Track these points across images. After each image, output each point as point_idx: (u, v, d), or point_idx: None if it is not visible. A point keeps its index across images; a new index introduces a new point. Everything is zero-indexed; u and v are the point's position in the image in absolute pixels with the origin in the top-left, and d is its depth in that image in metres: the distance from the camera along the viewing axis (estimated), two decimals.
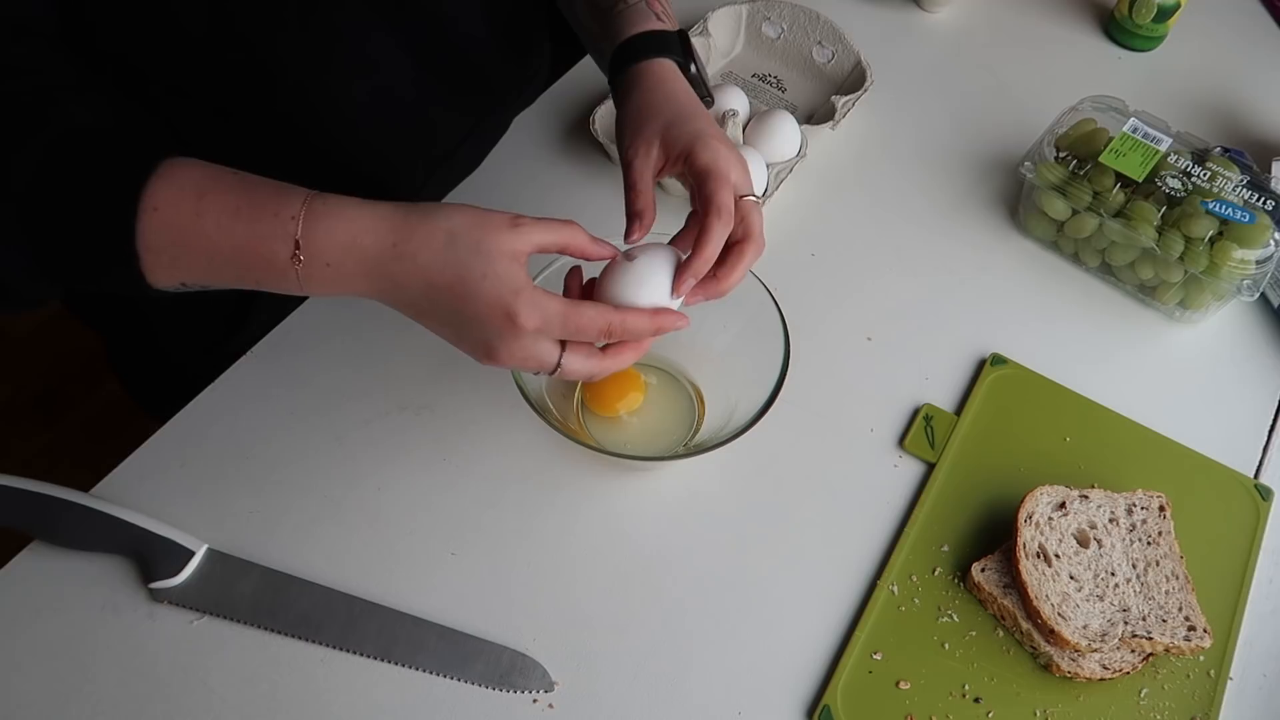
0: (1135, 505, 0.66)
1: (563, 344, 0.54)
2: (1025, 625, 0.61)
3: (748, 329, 0.67)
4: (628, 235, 0.59)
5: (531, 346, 0.53)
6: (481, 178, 0.84)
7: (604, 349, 0.56)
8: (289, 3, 0.62)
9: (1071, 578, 0.63)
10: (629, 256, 0.57)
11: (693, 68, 0.68)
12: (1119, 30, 1.01)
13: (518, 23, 0.81)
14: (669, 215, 0.82)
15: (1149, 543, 0.65)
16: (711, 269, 0.57)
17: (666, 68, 0.66)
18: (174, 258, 0.53)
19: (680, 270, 0.57)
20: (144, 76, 0.63)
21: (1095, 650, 0.59)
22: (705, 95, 0.69)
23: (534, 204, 0.82)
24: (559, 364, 0.54)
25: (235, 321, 0.80)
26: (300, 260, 0.52)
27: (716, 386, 0.71)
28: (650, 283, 0.56)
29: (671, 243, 0.60)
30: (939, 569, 0.65)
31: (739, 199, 0.59)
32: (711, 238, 0.56)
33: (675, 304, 0.57)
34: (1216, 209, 0.74)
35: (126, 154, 0.53)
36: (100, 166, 0.53)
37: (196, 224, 0.52)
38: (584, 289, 0.59)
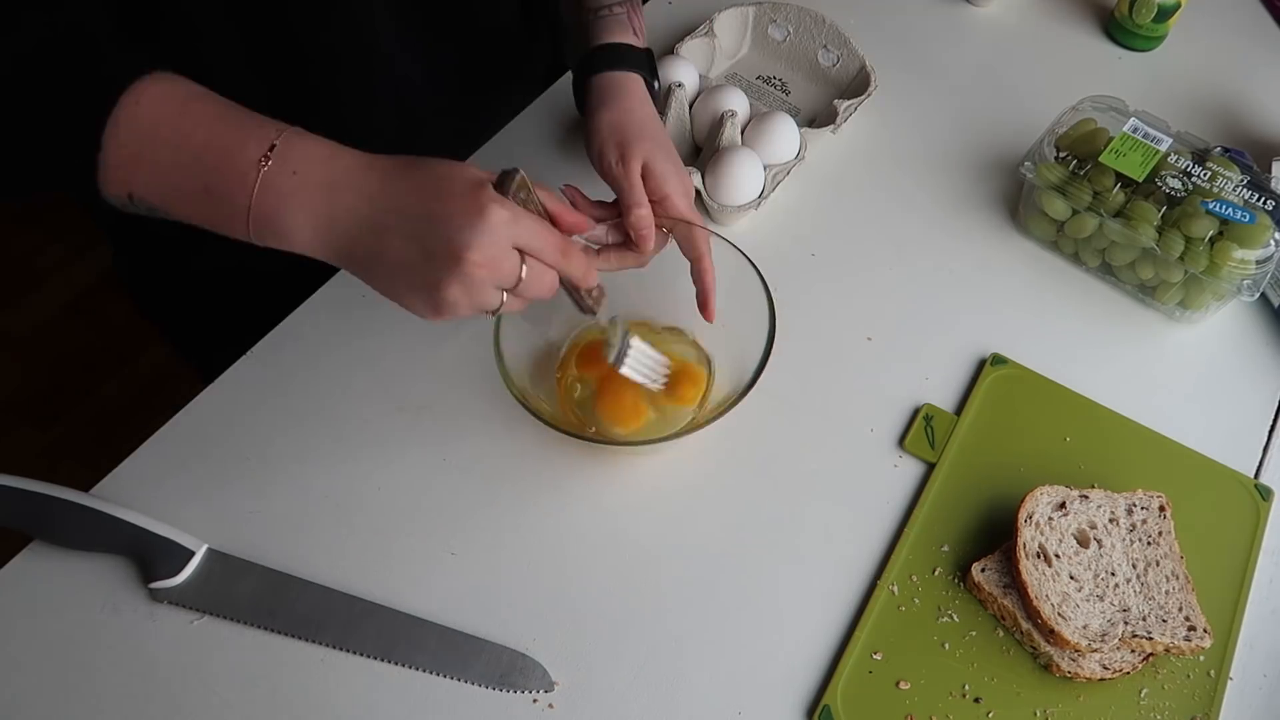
0: (1135, 505, 0.66)
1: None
2: (1025, 625, 0.61)
3: (741, 313, 0.67)
4: (641, 241, 0.65)
5: (501, 234, 0.50)
6: None
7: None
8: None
9: (1071, 578, 0.63)
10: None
11: (656, 85, 0.74)
12: (1119, 30, 1.01)
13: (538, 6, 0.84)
14: None
15: (1149, 543, 0.65)
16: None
17: (639, 84, 0.71)
18: (137, 154, 0.51)
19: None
20: (189, 24, 0.63)
21: (1095, 650, 0.59)
22: (662, 113, 0.76)
23: None
24: (520, 275, 0.52)
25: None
26: (268, 161, 0.51)
27: (720, 365, 0.71)
28: None
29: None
30: (939, 569, 0.65)
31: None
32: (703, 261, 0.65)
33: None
34: (1216, 209, 0.74)
35: (118, 57, 0.52)
36: (88, 63, 0.52)
37: (176, 121, 0.51)
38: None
